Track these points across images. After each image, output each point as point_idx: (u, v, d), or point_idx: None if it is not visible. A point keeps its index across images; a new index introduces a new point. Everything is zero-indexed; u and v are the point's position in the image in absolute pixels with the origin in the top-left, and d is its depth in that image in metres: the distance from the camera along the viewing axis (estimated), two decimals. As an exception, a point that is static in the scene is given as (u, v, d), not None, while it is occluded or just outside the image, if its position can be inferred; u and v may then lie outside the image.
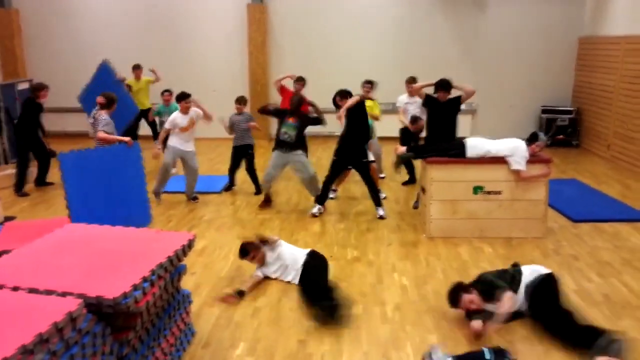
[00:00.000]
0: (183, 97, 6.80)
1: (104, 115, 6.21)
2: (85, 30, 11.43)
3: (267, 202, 6.82)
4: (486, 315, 3.83)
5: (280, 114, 6.70)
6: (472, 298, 3.89)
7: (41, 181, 7.99)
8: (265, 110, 6.98)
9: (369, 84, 7.63)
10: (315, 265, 4.60)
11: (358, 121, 6.30)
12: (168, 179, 7.09)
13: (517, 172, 5.53)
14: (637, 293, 4.47)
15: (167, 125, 6.88)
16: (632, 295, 4.43)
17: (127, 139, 5.79)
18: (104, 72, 8.25)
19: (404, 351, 3.66)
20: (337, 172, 6.54)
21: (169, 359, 3.36)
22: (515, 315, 3.97)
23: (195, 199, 7.14)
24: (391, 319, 4.09)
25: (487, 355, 3.32)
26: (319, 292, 4.19)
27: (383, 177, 8.18)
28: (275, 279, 4.73)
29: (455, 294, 3.96)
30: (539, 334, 3.82)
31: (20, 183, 7.61)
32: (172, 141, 6.88)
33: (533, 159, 5.56)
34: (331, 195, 7.11)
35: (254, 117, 7.56)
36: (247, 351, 3.67)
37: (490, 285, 3.94)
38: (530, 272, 4.07)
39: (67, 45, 11.45)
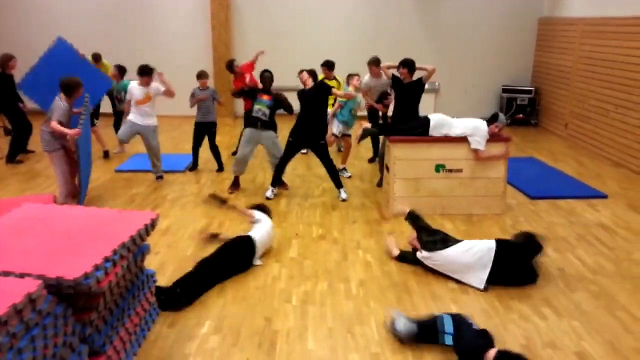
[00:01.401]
0: (144, 72, 6.58)
1: (63, 102, 5.58)
2: (42, 3, 10.96)
3: (235, 185, 6.68)
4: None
5: (253, 92, 6.55)
6: (414, 241, 4.64)
7: (12, 157, 7.90)
8: (239, 93, 6.85)
9: (325, 66, 7.65)
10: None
11: (316, 103, 6.20)
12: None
13: (476, 152, 5.65)
14: (591, 267, 4.67)
15: (127, 96, 6.78)
16: (586, 269, 4.62)
17: (73, 131, 5.42)
18: (61, 51, 6.88)
19: (368, 326, 3.74)
20: (291, 153, 6.38)
21: (133, 338, 3.34)
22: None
23: (160, 177, 7.03)
24: (355, 295, 4.16)
25: (446, 321, 3.46)
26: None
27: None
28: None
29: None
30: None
31: (14, 152, 7.85)
32: (131, 115, 6.73)
33: (493, 138, 5.69)
34: (346, 174, 7.19)
35: (217, 93, 7.44)
36: (213, 329, 3.68)
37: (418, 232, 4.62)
38: (473, 245, 4.36)
39: (26, 18, 10.96)
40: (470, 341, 3.28)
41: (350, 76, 7.07)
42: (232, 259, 4.43)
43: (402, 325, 3.50)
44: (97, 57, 9.31)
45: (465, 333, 3.37)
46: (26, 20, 11.02)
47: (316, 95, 6.19)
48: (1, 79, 7.57)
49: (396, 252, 4.73)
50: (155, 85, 6.70)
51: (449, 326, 3.44)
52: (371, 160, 7.96)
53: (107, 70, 9.12)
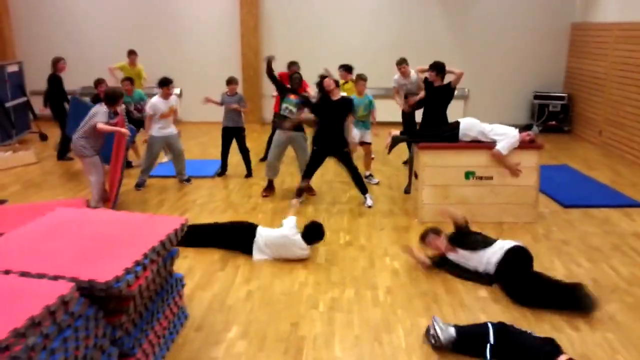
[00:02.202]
0: (165, 82, 6.71)
1: (105, 109, 5.80)
2: (74, 12, 11.25)
3: (270, 188, 6.69)
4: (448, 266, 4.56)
5: (282, 88, 6.59)
6: (438, 242, 4.61)
7: (63, 155, 8.34)
8: (275, 79, 6.73)
9: (343, 68, 7.67)
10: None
11: (339, 112, 6.15)
12: (152, 170, 7.11)
13: (495, 153, 5.54)
14: (626, 277, 4.54)
15: (148, 111, 6.76)
16: (621, 280, 4.49)
17: (124, 130, 5.73)
18: (76, 106, 7.52)
19: (395, 334, 3.70)
20: (317, 161, 6.33)
21: (162, 342, 3.38)
22: (483, 279, 4.39)
23: (187, 180, 7.14)
24: (383, 303, 4.13)
25: (490, 330, 3.39)
26: None
27: (372, 158, 8.26)
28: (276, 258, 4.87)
29: (426, 233, 4.71)
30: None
31: (62, 150, 8.28)
32: (155, 131, 6.76)
33: (524, 145, 5.59)
34: (374, 181, 7.17)
35: (245, 100, 7.48)
36: (240, 334, 3.69)
37: (459, 234, 4.63)
38: (502, 245, 4.39)
39: (55, 26, 11.27)
40: (536, 347, 3.21)
41: (359, 77, 7.19)
42: (233, 233, 5.06)
43: (440, 331, 3.44)
44: (132, 52, 9.27)
45: (526, 340, 3.29)
46: (55, 32, 11.29)
47: (340, 109, 6.17)
48: (52, 79, 8.13)
49: (427, 260, 4.67)
50: (174, 97, 6.93)
51: (491, 336, 3.37)
52: (406, 162, 7.77)
53: (140, 74, 9.25)
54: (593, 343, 3.59)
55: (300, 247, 4.79)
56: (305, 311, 3.99)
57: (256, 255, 4.87)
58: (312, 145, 6.34)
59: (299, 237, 4.81)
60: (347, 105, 6.23)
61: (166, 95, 6.76)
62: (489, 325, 3.44)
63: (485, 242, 4.49)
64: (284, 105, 6.40)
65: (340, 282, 4.45)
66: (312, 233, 4.85)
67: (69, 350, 2.52)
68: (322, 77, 6.26)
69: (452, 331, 3.45)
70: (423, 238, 4.74)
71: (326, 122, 6.23)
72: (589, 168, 7.99)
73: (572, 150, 9.21)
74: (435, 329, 3.48)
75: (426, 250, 4.77)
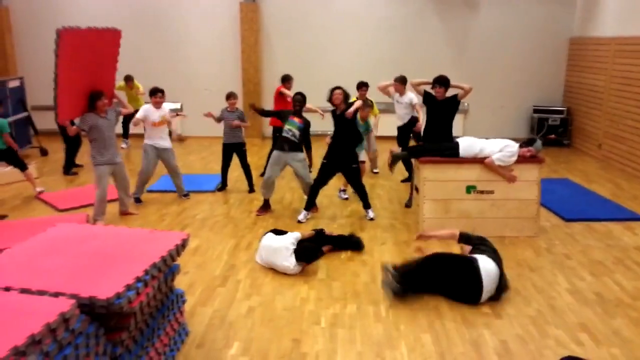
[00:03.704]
0: (153, 92, 6.77)
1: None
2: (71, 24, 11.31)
3: (265, 208, 6.59)
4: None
5: (281, 115, 6.56)
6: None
7: (68, 169, 8.42)
8: (266, 113, 6.87)
9: (366, 87, 7.57)
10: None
11: (348, 126, 6.16)
12: (148, 182, 7.07)
13: (488, 162, 5.53)
14: (629, 292, 4.51)
15: (139, 115, 6.76)
16: (624, 294, 4.46)
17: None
18: None
19: (398, 350, 3.66)
20: (325, 176, 6.33)
21: (163, 359, 3.34)
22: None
23: (186, 195, 7.13)
24: (385, 318, 4.09)
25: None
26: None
27: (377, 172, 8.26)
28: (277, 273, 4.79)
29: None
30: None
31: (68, 164, 8.38)
32: (148, 139, 6.81)
33: (524, 160, 5.59)
34: (344, 195, 7.17)
35: (244, 116, 7.47)
36: (241, 351, 3.65)
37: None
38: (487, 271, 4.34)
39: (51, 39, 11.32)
40: None
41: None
42: None
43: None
44: (129, 78, 9.61)
45: None
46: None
47: (349, 123, 6.15)
48: None
49: (455, 231, 4.75)
50: (166, 108, 6.95)
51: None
52: (404, 181, 7.84)
53: (137, 90, 9.45)
54: (598, 358, 3.55)
55: (288, 261, 4.76)
56: (307, 327, 3.96)
57: (257, 256, 5.10)
58: (323, 159, 6.35)
59: (291, 251, 4.80)
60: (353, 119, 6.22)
61: (156, 104, 6.78)
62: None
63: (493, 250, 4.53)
64: (287, 127, 6.32)
65: (342, 298, 4.41)
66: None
67: (69, 368, 2.49)
68: (333, 90, 6.21)
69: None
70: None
71: (337, 136, 6.23)
72: (589, 181, 7.99)
73: (572, 164, 9.21)
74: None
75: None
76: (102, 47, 5.86)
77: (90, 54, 5.64)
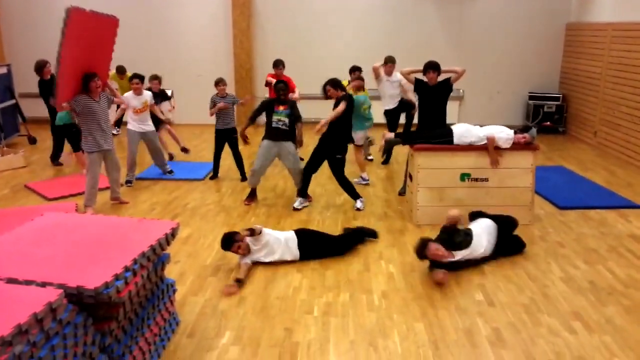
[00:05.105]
0: (131, 77, 7.00)
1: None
2: (60, 14, 11.13)
3: (252, 197, 6.53)
4: (448, 267, 4.48)
5: (267, 106, 6.39)
6: (437, 246, 4.46)
7: (55, 158, 8.24)
8: (254, 115, 6.73)
9: (359, 71, 7.51)
10: (310, 236, 4.99)
11: (342, 117, 6.06)
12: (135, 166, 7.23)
13: (491, 137, 5.52)
14: (623, 280, 4.50)
15: (123, 105, 6.93)
16: (618, 282, 4.46)
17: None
18: None
19: (390, 339, 3.65)
20: (315, 162, 6.25)
21: (153, 348, 3.31)
22: (482, 260, 4.73)
23: (170, 172, 7.43)
24: (378, 307, 4.07)
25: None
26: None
27: (371, 159, 8.24)
28: (270, 262, 4.75)
29: (423, 245, 4.49)
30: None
31: (54, 154, 8.18)
32: (131, 125, 7.06)
33: (519, 146, 5.56)
34: (364, 182, 7.19)
35: (236, 97, 7.52)
36: (232, 340, 3.63)
37: (448, 234, 4.67)
38: (480, 224, 4.89)
39: (45, 29, 11.13)
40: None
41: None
42: None
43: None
44: (121, 70, 9.48)
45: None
46: (44, 35, 11.14)
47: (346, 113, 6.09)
48: (41, 84, 7.87)
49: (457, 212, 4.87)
50: (148, 93, 7.15)
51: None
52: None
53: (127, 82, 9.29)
54: (590, 346, 3.55)
55: (293, 255, 4.84)
56: (299, 316, 3.93)
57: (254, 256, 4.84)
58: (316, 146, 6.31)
59: (295, 245, 4.84)
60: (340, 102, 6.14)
61: (135, 90, 6.96)
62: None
63: (468, 234, 4.74)
64: (275, 118, 6.20)
65: (335, 286, 4.39)
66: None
67: (57, 359, 2.45)
68: (324, 87, 6.19)
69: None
70: (422, 251, 4.49)
71: (330, 125, 6.13)
72: (584, 169, 7.97)
73: (567, 151, 9.20)
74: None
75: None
76: (101, 33, 5.79)
77: (91, 38, 5.58)
